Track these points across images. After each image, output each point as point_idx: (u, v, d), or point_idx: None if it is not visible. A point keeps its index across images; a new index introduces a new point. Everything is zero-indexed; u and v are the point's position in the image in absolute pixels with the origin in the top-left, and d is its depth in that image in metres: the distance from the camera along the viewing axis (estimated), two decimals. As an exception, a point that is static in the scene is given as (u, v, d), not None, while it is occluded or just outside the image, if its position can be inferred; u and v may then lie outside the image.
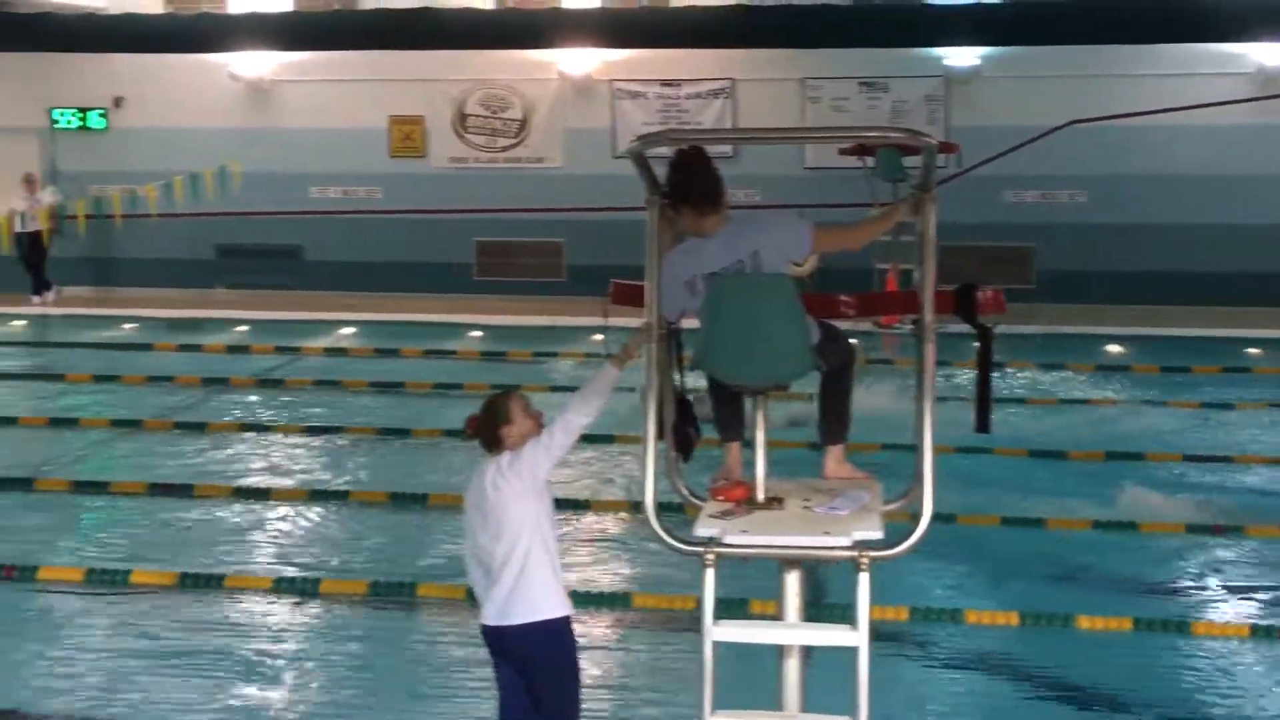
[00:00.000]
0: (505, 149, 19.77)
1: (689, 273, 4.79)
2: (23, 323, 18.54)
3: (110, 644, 7.49)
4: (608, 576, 8.54)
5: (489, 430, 5.24)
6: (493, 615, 5.19)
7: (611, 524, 9.56)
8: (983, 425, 5.10)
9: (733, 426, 5.18)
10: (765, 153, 17.79)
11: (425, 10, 16.36)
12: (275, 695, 6.86)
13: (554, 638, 5.23)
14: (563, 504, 8.99)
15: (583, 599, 7.90)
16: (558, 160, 19.71)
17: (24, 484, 10.48)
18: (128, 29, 17.18)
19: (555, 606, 5.21)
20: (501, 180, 19.66)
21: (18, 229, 18.64)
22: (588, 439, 11.37)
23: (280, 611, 8.02)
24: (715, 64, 18.67)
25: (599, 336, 16.08)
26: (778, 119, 18.46)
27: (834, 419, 5.11)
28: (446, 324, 17.63)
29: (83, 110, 20.41)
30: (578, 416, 5.14)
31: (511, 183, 19.63)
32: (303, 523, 9.80)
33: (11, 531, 9.48)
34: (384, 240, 19.85)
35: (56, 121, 20.45)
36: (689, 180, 4.79)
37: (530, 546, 5.14)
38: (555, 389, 13.67)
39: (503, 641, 5.22)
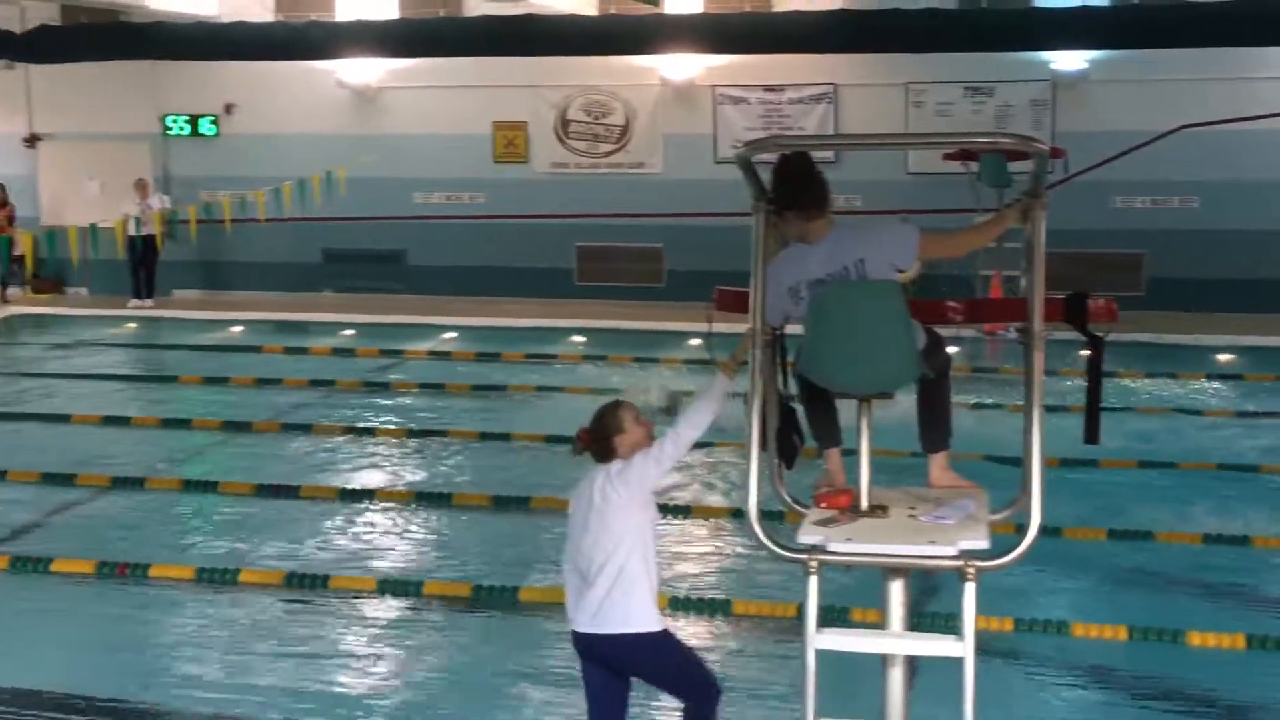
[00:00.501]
0: (607, 154, 19.84)
1: (793, 278, 4.77)
2: (135, 325, 18.95)
3: (218, 641, 7.63)
4: (708, 582, 8.52)
5: (601, 441, 5.24)
6: (585, 622, 5.18)
7: (712, 530, 9.54)
8: (1092, 436, 5.00)
9: (830, 434, 5.15)
10: (868, 158, 17.67)
11: (530, 17, 16.46)
12: (375, 695, 6.94)
13: (648, 649, 5.20)
14: (664, 508, 9.03)
15: (683, 605, 7.92)
16: (658, 166, 19.73)
17: (137, 483, 10.71)
18: (238, 37, 17.45)
19: (648, 620, 5.18)
20: (602, 185, 19.73)
21: (131, 233, 19.07)
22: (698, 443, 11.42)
23: (383, 612, 8.12)
24: (818, 69, 18.56)
25: (696, 341, 16.14)
26: (880, 124, 18.33)
27: (936, 426, 5.05)
28: (547, 328, 17.72)
29: (194, 117, 20.83)
30: (689, 429, 5.11)
31: (612, 188, 19.70)
32: (406, 525, 9.91)
33: (125, 530, 9.70)
34: (486, 245, 20.01)
35: (169, 128, 20.89)
36: (795, 186, 4.77)
37: (629, 558, 5.12)
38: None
39: (593, 649, 5.21)
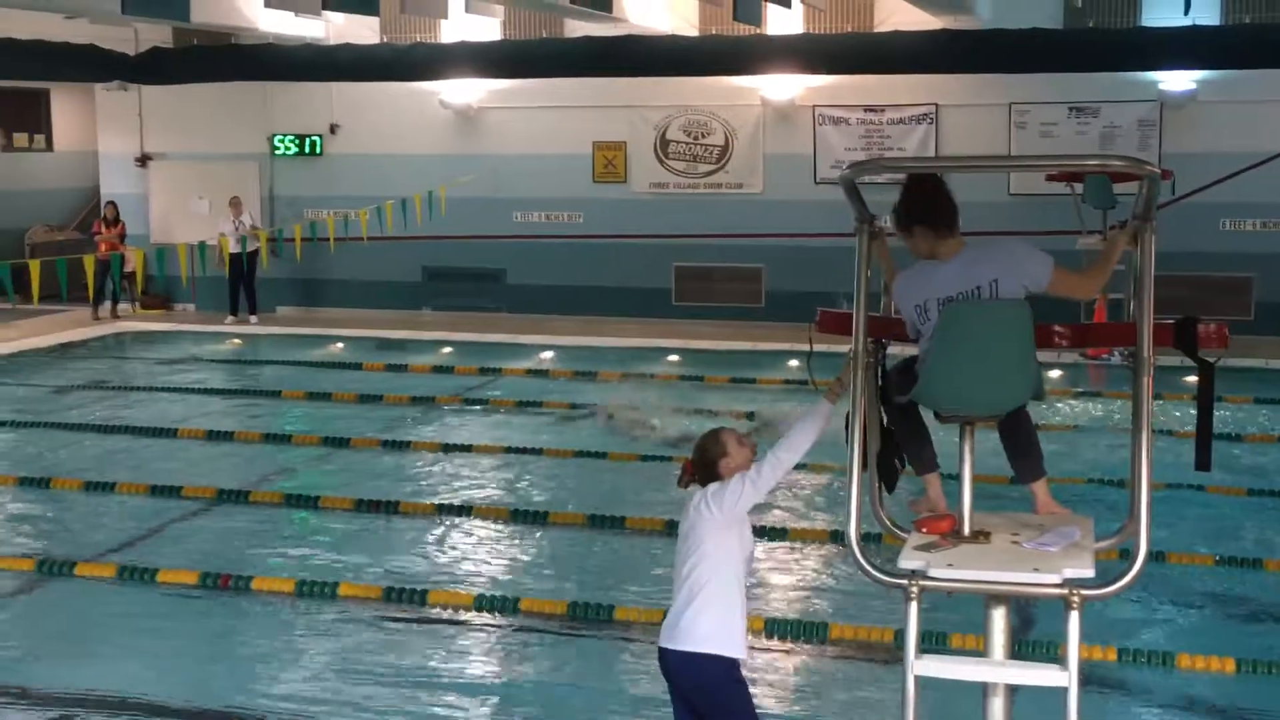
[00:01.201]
0: (706, 175, 19.85)
1: (922, 295, 4.73)
2: (239, 341, 19.29)
3: (317, 655, 7.72)
4: (804, 605, 8.47)
5: (706, 468, 5.24)
6: (663, 634, 5.19)
7: (808, 552, 9.48)
8: (1202, 463, 4.88)
9: (928, 458, 5.09)
10: (969, 178, 17.39)
11: (630, 38, 16.57)
12: (470, 710, 6.98)
13: (716, 675, 5.10)
14: (760, 531, 9.00)
15: (779, 627, 7.88)
16: (758, 186, 19.70)
17: (241, 496, 10.90)
18: (344, 59, 17.80)
19: (722, 644, 5.09)
20: (701, 206, 19.75)
21: (235, 250, 19.40)
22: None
23: (480, 628, 8.17)
24: (919, 89, 18.45)
25: (795, 363, 16.09)
26: (983, 145, 18.15)
27: (1029, 453, 4.96)
28: (645, 348, 17.75)
29: (300, 137, 21.19)
30: (788, 454, 5.09)
31: (711, 208, 19.71)
32: (503, 541, 9.97)
33: (229, 543, 9.87)
34: (584, 265, 20.11)
35: (276, 148, 21.27)
36: (927, 202, 4.75)
37: (713, 576, 5.09)
38: (750, 415, 13.69)
39: (668, 666, 5.18)
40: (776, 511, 10.16)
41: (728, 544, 5.12)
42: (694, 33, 18.52)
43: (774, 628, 7.87)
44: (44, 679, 7.36)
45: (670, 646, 5.13)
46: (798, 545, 9.55)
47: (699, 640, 5.08)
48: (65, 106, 24.01)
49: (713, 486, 5.17)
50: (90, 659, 7.66)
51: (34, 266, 12.97)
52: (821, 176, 19.12)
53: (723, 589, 5.09)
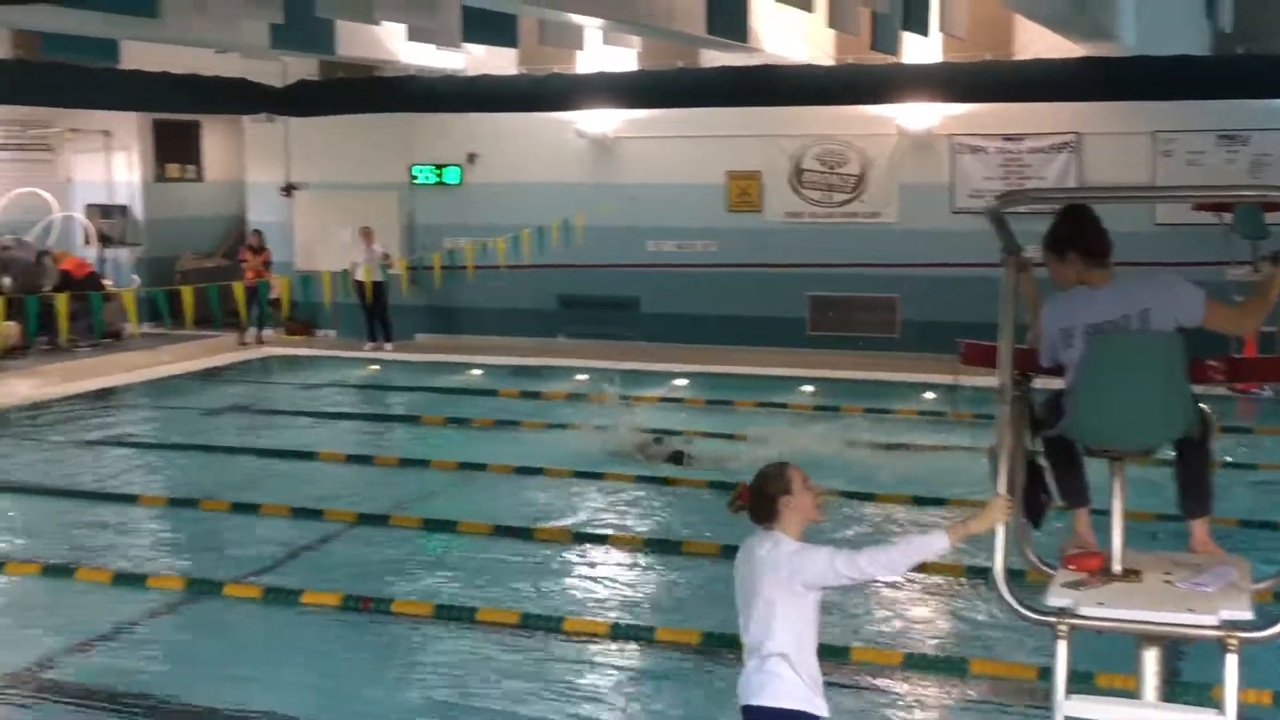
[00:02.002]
0: (841, 204, 19.75)
1: (1067, 321, 4.67)
2: (378, 366, 19.64)
3: (453, 678, 7.81)
4: (943, 641, 8.35)
5: (766, 500, 4.99)
6: (742, 691, 4.94)
7: (948, 586, 9.33)
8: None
9: (1079, 492, 5.00)
10: (1112, 208, 17.09)
11: (765, 68, 16.60)
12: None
13: None
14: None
15: (918, 663, 7.77)
16: (893, 215, 19.55)
17: (380, 520, 11.08)
18: (484, 89, 18.12)
19: (786, 696, 4.85)
20: (836, 235, 19.65)
21: (360, 278, 19.73)
22: (925, 499, 11.24)
23: (614, 656, 8.19)
24: (1060, 117, 18.15)
25: (931, 395, 15.90)
26: (1126, 174, 17.78)
27: (1198, 491, 4.86)
28: (778, 377, 17.68)
29: (439, 166, 21.56)
30: (878, 568, 4.86)
31: (846, 237, 19.59)
32: (639, 570, 10.00)
33: (370, 565, 10.03)
34: (718, 293, 20.12)
35: (416, 177, 21.66)
36: (1082, 229, 4.71)
37: (780, 632, 4.84)
38: (888, 446, 13.56)
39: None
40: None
41: (796, 606, 4.88)
42: (830, 62, 18.46)
43: (912, 663, 7.77)
44: (190, 695, 7.55)
45: (746, 702, 4.90)
46: (936, 578, 9.40)
47: (776, 695, 4.84)
48: (215, 138, 24.75)
49: (788, 546, 4.89)
50: (235, 678, 7.83)
51: (187, 293, 13.38)
52: (959, 206, 18.90)
53: (788, 641, 4.86)
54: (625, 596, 9.40)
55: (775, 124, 19.18)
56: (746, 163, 19.97)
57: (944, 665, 7.75)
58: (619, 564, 10.13)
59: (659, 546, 10.33)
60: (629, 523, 11.23)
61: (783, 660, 4.80)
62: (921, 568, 9.46)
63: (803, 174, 19.83)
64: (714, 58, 18.24)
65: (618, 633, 8.44)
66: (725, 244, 20.13)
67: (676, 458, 13.23)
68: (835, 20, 14.04)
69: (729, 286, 20.03)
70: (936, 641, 8.33)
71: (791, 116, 18.78)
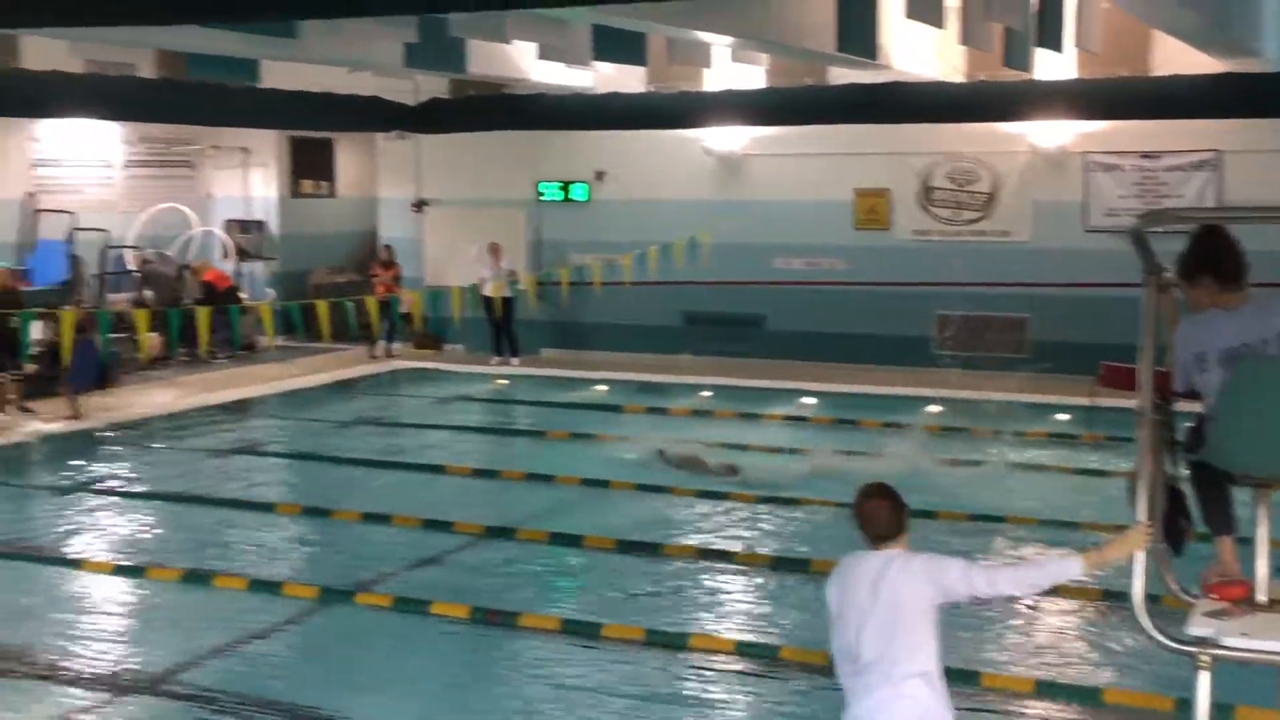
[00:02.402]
0: (970, 222, 19.51)
1: (1201, 345, 4.58)
2: (505, 381, 19.84)
3: (579, 693, 7.85)
4: (1076, 668, 8.19)
5: (898, 517, 4.91)
6: (866, 713, 4.83)
7: (1082, 610, 9.16)
8: None
9: (1224, 520, 4.88)
10: (1253, 228, 16.67)
11: (896, 85, 16.47)
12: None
13: None
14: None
15: (1049, 690, 7.64)
16: (1024, 234, 19.25)
17: (508, 533, 11.19)
18: (612, 107, 18.24)
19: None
20: (965, 253, 19.41)
21: (488, 293, 19.93)
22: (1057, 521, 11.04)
23: (738, 673, 8.18)
24: (1199, 134, 17.73)
25: (1065, 416, 15.63)
26: (1270, 193, 17.27)
27: None
28: (905, 397, 17.52)
29: (566, 183, 21.74)
30: (1012, 588, 4.80)
31: (975, 256, 19.35)
32: (765, 588, 9.97)
33: (495, 579, 10.14)
34: (845, 311, 19.99)
35: (543, 194, 21.87)
36: (1214, 253, 4.62)
37: (924, 657, 4.75)
38: (1019, 467, 13.35)
39: None
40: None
41: (933, 618, 4.80)
42: (961, 79, 18.27)
43: (1044, 690, 7.63)
44: (319, 702, 7.69)
45: None
46: (1070, 602, 9.23)
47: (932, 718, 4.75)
48: (348, 154, 25.26)
49: (922, 558, 4.81)
50: (363, 686, 7.98)
51: (322, 307, 13.65)
52: (1093, 224, 18.56)
53: (936, 660, 4.78)
54: (751, 615, 9.38)
55: (904, 141, 19.02)
56: (875, 180, 19.83)
57: (1077, 693, 7.61)
58: (745, 581, 10.12)
59: (787, 565, 10.28)
60: (756, 540, 11.20)
61: (925, 680, 4.75)
62: (1054, 591, 9.30)
63: (932, 192, 19.63)
64: (842, 75, 18.16)
65: (743, 650, 8.43)
66: (852, 261, 20.00)
67: (730, 470, 13.42)
68: (967, 37, 13.92)
69: (856, 304, 19.90)
70: (1069, 668, 8.17)
71: (921, 134, 18.62)
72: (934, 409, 16.95)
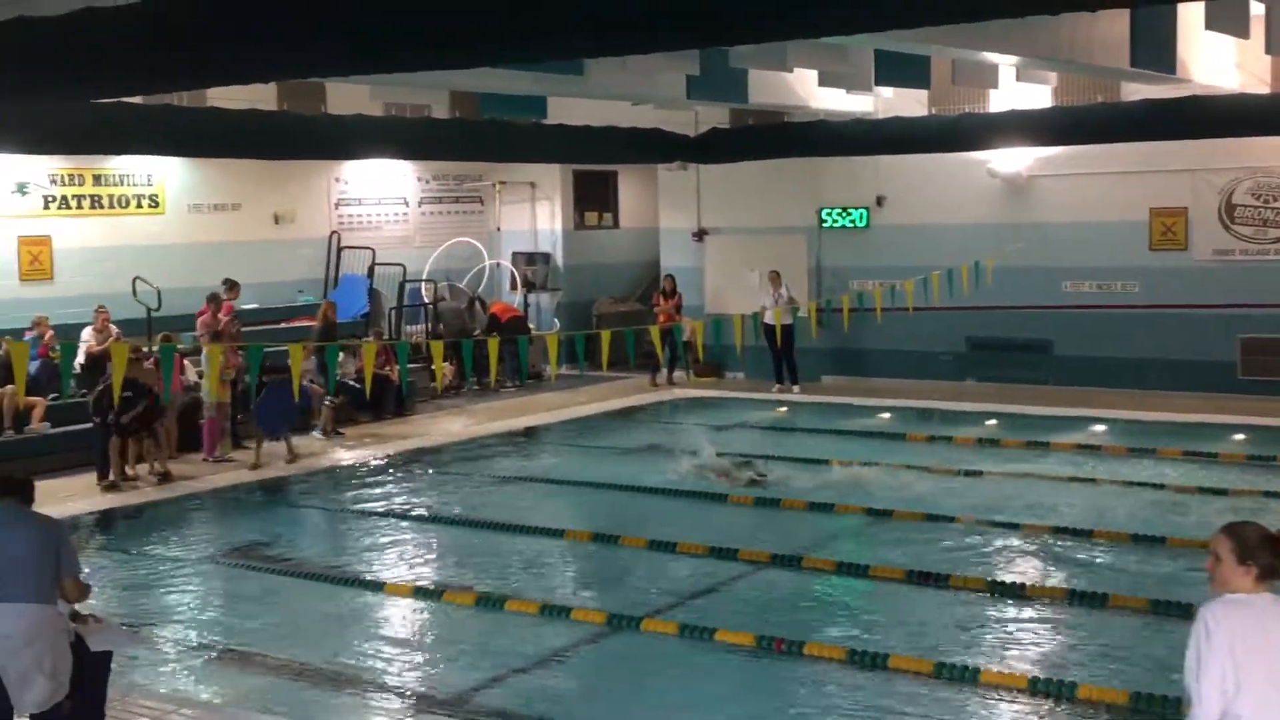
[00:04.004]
0: (1277, 240, 18.48)
1: None
2: (785, 409, 19.80)
3: (869, 724, 7.76)
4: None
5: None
6: None
7: None
8: None
9: None
10: None
11: (1194, 99, 15.77)
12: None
13: None
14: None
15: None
16: (1337, 252, 18.14)
17: (793, 561, 11.13)
18: (893, 131, 18.03)
19: None
20: (1271, 273, 18.40)
21: (769, 321, 19.93)
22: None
23: (1034, 711, 7.92)
24: None
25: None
26: None
27: None
28: (1206, 424, 16.69)
29: (846, 209, 21.59)
30: None
31: (1281, 276, 18.34)
32: (1057, 623, 9.64)
33: (781, 606, 10.11)
34: (1139, 336, 19.21)
35: (824, 220, 21.77)
36: None
37: None
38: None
39: None
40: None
41: None
42: (1265, 90, 17.36)
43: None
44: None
45: None
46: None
47: None
48: (630, 186, 25.76)
49: None
50: (652, 712, 8.06)
51: (605, 337, 13.90)
52: None
53: None
54: (1044, 649, 9.08)
55: (1203, 157, 18.19)
56: (1171, 198, 19.01)
57: None
58: (1038, 615, 9.81)
59: (1082, 599, 9.91)
60: (1048, 573, 10.85)
61: None
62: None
63: (1234, 209, 18.68)
64: (1135, 90, 17.51)
65: (1037, 687, 8.15)
66: (1148, 283, 19.21)
67: (753, 481, 14.05)
68: (1274, 46, 13.23)
69: (1151, 328, 19.10)
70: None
71: (1221, 149, 17.75)
72: (1239, 437, 16.11)
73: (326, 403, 17.14)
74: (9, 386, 14.83)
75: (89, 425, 14.85)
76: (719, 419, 19.01)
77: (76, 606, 6.90)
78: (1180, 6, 13.68)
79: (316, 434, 17.11)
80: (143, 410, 14.32)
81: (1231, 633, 4.48)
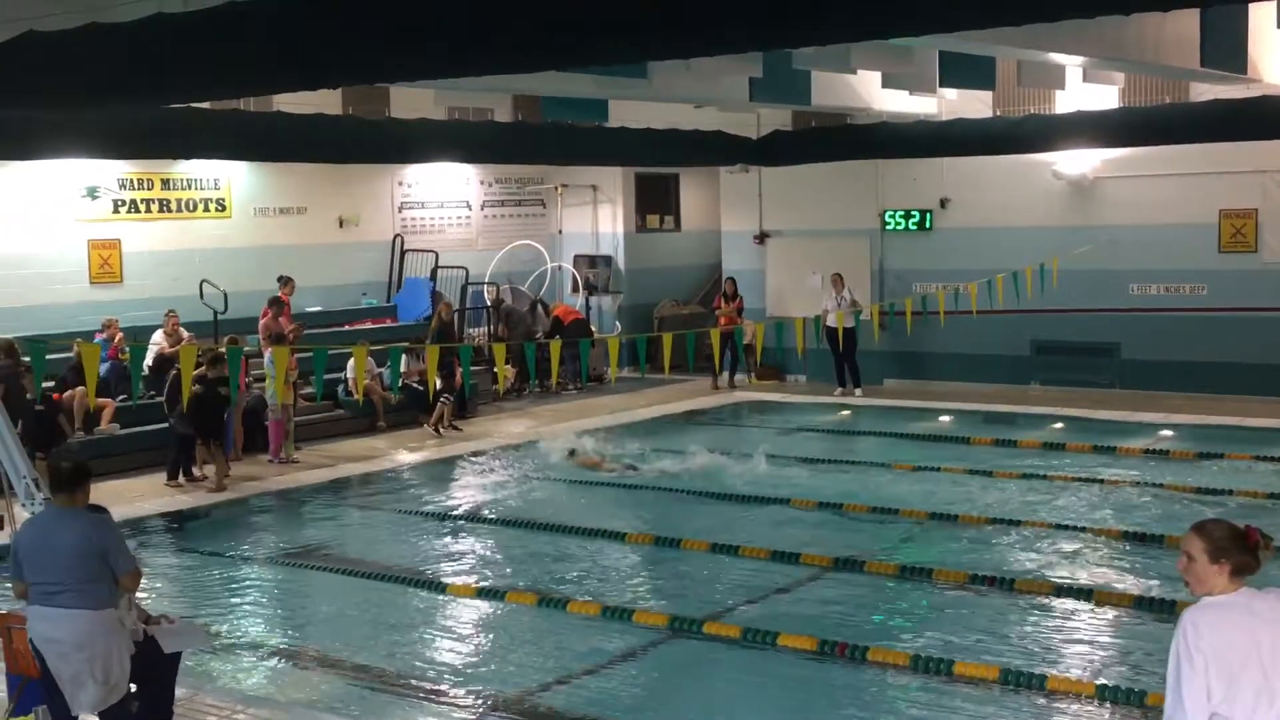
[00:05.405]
0: (1350, 242, 18.19)
1: None
2: (847, 412, 19.71)
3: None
4: None
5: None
6: None
7: None
8: None
9: None
10: None
11: (1265, 99, 15.56)
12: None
13: None
14: None
15: None
16: None
17: (856, 565, 11.07)
18: (956, 133, 17.91)
19: None
20: (1343, 276, 18.13)
21: (831, 324, 19.86)
22: None
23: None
24: None
25: None
26: None
27: None
28: (1277, 429, 16.44)
29: (909, 212, 21.47)
30: None
31: (1355, 278, 18.04)
32: (1124, 629, 9.52)
33: (844, 611, 10.06)
34: (1208, 339, 18.95)
35: (887, 223, 21.66)
36: None
37: None
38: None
39: None
40: None
41: None
42: (1339, 89, 17.10)
43: None
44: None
45: None
46: None
47: None
48: (692, 189, 25.74)
49: None
50: (710, 714, 8.04)
51: (666, 340, 13.90)
52: None
53: None
54: (1112, 656, 8.97)
55: (1274, 158, 17.92)
56: (1241, 200, 18.75)
57: None
58: (1104, 621, 9.69)
59: (1149, 605, 9.79)
60: (1115, 578, 10.72)
61: None
62: None
63: (1307, 211, 18.40)
64: (1204, 90, 17.30)
65: (1105, 694, 8.07)
66: (1217, 286, 18.96)
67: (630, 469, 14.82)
68: (1347, 45, 13.01)
69: (1221, 331, 18.84)
70: None
71: (1292, 149, 17.50)
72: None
73: (442, 400, 17.40)
74: (79, 388, 15.04)
75: (158, 426, 15.08)
76: (782, 423, 18.96)
77: (146, 608, 6.96)
78: (1251, 6, 13.50)
79: (429, 429, 17.60)
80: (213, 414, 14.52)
81: (1215, 644, 4.45)
